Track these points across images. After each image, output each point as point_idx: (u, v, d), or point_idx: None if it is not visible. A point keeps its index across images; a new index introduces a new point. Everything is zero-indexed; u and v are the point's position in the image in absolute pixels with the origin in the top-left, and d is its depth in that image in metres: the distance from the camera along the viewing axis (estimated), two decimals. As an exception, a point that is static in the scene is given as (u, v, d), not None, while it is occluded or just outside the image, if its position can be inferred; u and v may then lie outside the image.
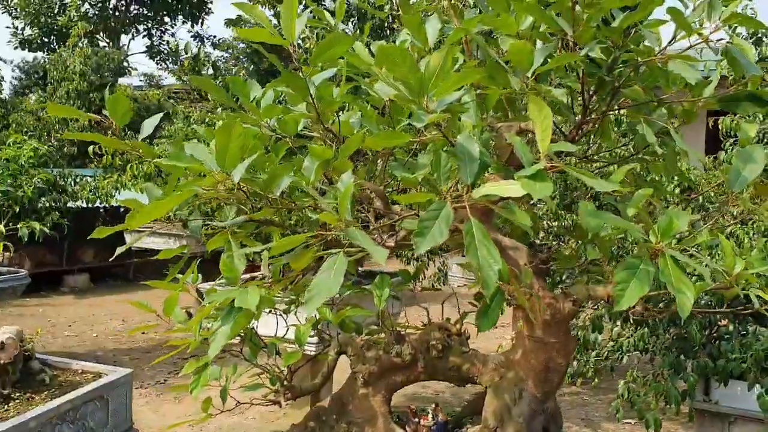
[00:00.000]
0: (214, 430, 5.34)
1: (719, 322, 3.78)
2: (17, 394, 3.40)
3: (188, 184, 2.03)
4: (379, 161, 2.78)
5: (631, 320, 3.77)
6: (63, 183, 7.36)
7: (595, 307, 4.21)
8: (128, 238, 8.60)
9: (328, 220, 1.78)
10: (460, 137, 1.86)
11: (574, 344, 2.70)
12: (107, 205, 8.57)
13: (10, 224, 6.12)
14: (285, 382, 2.74)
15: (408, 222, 2.03)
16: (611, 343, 4.25)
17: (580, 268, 3.05)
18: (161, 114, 2.66)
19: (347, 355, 2.91)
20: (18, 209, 6.34)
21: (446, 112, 1.87)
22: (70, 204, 7.64)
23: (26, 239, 6.17)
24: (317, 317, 2.82)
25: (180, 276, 2.70)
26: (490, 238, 1.72)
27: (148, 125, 2.46)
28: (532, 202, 3.46)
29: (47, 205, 7.13)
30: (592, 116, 2.31)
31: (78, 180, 7.88)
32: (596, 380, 4.28)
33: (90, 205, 8.10)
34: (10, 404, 3.30)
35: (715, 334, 3.80)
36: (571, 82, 2.30)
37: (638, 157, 2.73)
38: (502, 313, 2.13)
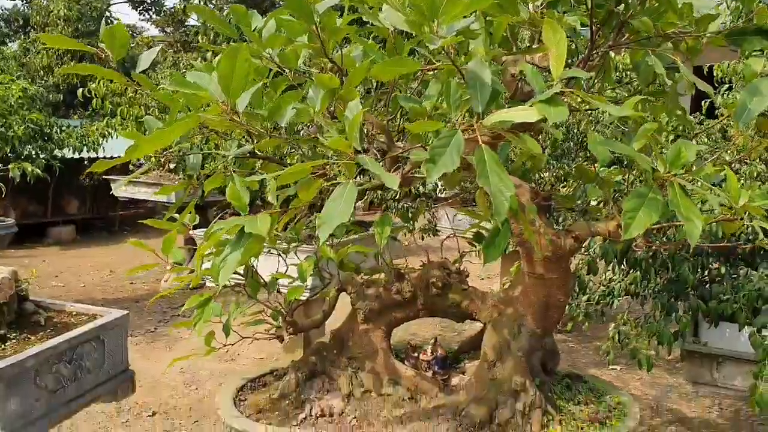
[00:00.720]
0: (207, 376, 5.38)
1: (711, 265, 3.83)
2: (13, 335, 3.38)
3: (192, 113, 1.99)
4: (374, 99, 2.75)
5: (624, 264, 3.80)
6: (48, 131, 7.23)
7: (586, 253, 4.24)
8: (115, 188, 8.54)
9: (340, 146, 1.75)
10: (471, 63, 1.83)
11: (573, 281, 2.73)
12: (94, 155, 8.46)
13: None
14: (287, 318, 2.75)
15: (416, 153, 2.01)
16: (602, 288, 4.29)
17: (578, 209, 3.06)
18: (158, 48, 2.61)
19: (347, 292, 2.92)
20: (8, 150, 6.23)
21: (458, 36, 1.83)
22: (56, 152, 7.53)
23: (17, 180, 6.08)
24: (318, 256, 2.82)
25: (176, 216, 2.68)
26: (502, 165, 1.71)
27: (145, 59, 2.41)
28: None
29: (33, 153, 7.02)
30: (600, 50, 2.29)
31: (64, 128, 7.75)
32: (587, 324, 4.33)
33: (77, 154, 7.98)
34: (6, 344, 3.28)
35: (706, 277, 3.85)
36: (578, 15, 2.27)
37: (640, 96, 2.72)
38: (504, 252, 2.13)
